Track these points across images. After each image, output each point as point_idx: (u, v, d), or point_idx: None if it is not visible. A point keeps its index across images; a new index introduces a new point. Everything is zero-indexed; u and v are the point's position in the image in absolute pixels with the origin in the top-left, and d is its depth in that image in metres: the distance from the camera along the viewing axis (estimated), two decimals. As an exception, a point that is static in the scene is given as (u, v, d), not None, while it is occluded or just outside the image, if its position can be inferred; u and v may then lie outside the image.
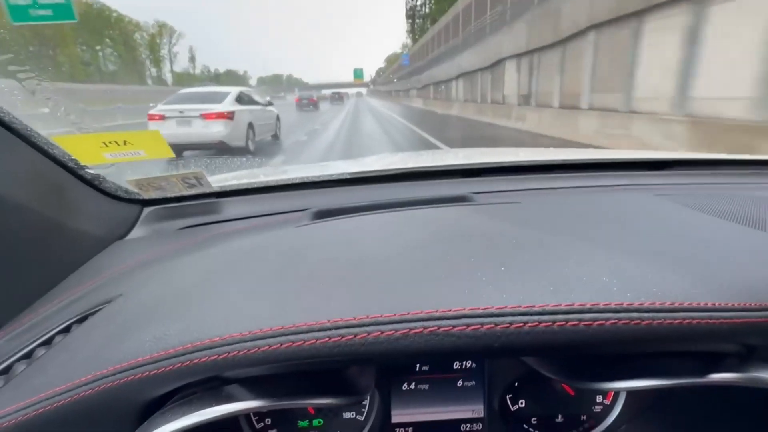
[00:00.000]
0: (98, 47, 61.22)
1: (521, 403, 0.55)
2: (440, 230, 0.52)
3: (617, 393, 0.55)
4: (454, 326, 0.32)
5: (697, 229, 0.51)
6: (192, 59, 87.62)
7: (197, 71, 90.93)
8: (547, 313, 0.32)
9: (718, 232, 0.50)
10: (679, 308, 0.33)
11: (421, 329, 0.32)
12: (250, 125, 7.65)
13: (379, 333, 0.33)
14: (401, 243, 0.48)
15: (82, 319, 0.48)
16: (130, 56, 64.59)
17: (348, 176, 0.87)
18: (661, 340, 0.34)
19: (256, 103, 8.44)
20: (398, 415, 0.53)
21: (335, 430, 0.54)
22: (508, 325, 0.32)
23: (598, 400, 0.55)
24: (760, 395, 0.40)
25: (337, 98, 42.51)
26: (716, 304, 0.34)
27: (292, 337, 0.33)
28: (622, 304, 0.33)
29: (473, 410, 0.53)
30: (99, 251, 0.68)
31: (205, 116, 6.74)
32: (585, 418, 0.55)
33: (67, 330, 0.47)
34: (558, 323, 0.32)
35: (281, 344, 0.33)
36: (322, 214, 0.71)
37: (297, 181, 0.87)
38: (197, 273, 0.49)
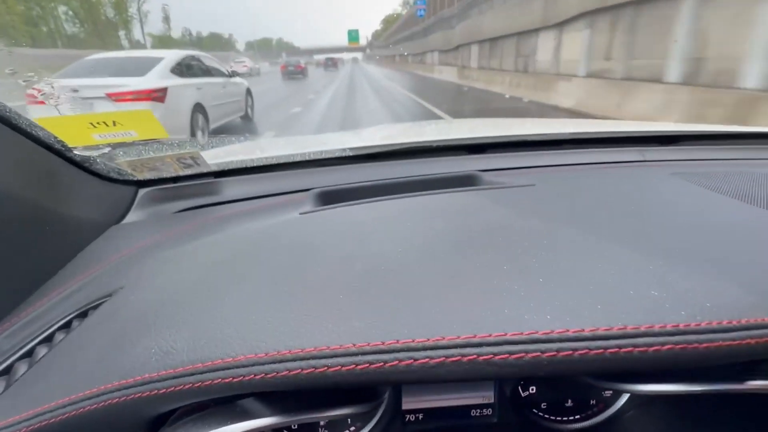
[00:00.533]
0: (51, 4, 52.30)
1: (532, 390, 0.53)
2: (460, 226, 0.50)
3: None
4: (495, 354, 0.30)
5: (731, 219, 0.49)
6: (166, 20, 77.18)
7: (177, 34, 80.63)
8: (599, 339, 0.30)
9: (752, 221, 0.48)
10: (737, 327, 0.31)
11: (458, 357, 0.30)
12: (199, 107, 5.11)
13: (411, 361, 0.30)
14: (420, 244, 0.45)
15: (82, 314, 0.48)
16: (89, 16, 55.28)
17: (350, 153, 0.85)
18: (717, 360, 0.32)
19: (211, 73, 5.73)
20: (409, 402, 0.51)
21: (346, 419, 0.51)
22: (555, 353, 0.30)
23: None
24: None
25: (331, 64, 40.67)
26: None
27: (313, 362, 0.31)
28: (678, 326, 0.30)
29: (483, 396, 0.52)
30: (96, 236, 0.67)
31: (114, 97, 4.09)
32: (594, 402, 0.53)
33: (68, 326, 0.47)
34: (610, 350, 0.30)
35: (302, 369, 0.30)
36: (326, 197, 0.71)
37: (297, 159, 0.85)
38: (200, 268, 0.48)
